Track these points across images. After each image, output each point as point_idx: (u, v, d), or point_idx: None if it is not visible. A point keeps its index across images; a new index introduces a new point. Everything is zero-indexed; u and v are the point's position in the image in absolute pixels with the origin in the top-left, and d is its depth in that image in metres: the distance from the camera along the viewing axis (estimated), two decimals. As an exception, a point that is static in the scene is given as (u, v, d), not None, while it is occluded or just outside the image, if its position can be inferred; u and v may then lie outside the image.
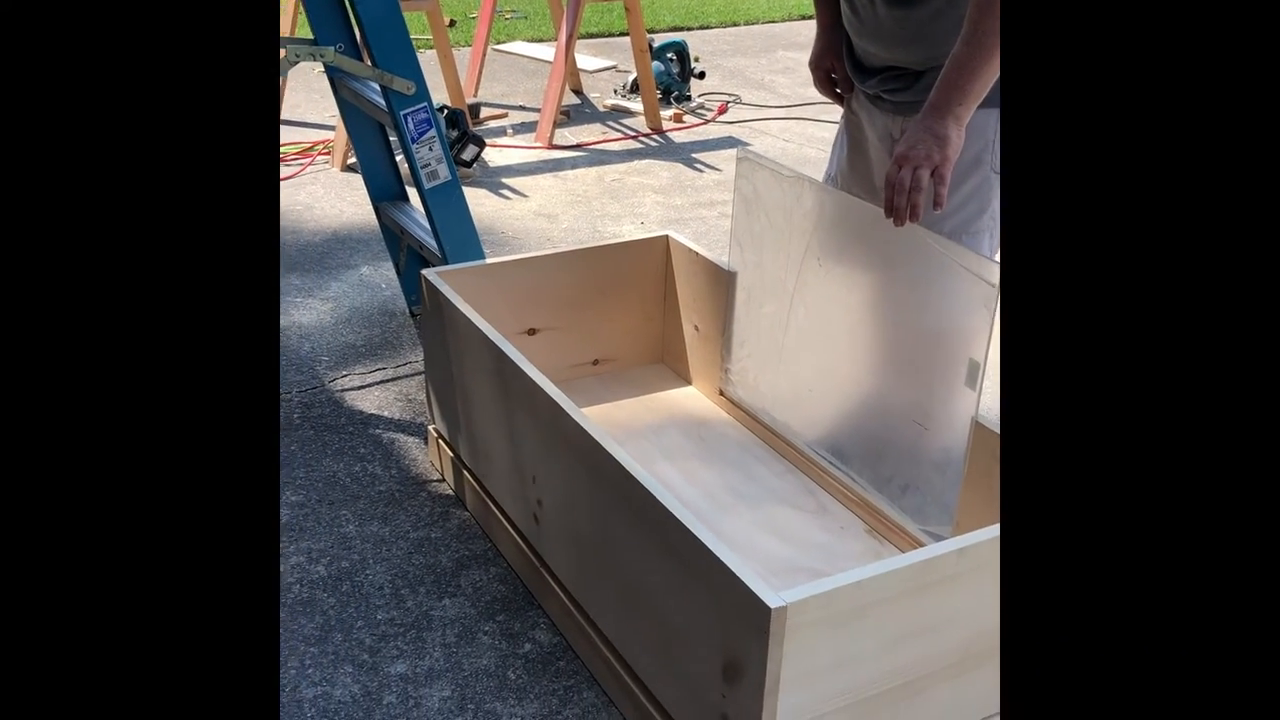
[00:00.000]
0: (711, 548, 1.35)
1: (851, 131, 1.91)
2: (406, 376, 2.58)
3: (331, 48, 2.32)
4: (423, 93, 2.30)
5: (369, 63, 2.31)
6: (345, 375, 2.57)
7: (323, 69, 2.68)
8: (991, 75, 1.54)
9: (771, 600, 1.26)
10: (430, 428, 2.24)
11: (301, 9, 3.87)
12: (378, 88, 2.37)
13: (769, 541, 1.91)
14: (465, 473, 2.10)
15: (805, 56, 1.97)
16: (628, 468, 1.51)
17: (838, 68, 1.89)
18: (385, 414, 2.43)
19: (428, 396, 2.23)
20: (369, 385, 2.54)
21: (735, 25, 6.01)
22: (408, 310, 2.86)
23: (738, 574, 1.30)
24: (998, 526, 1.44)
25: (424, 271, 2.10)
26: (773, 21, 6.13)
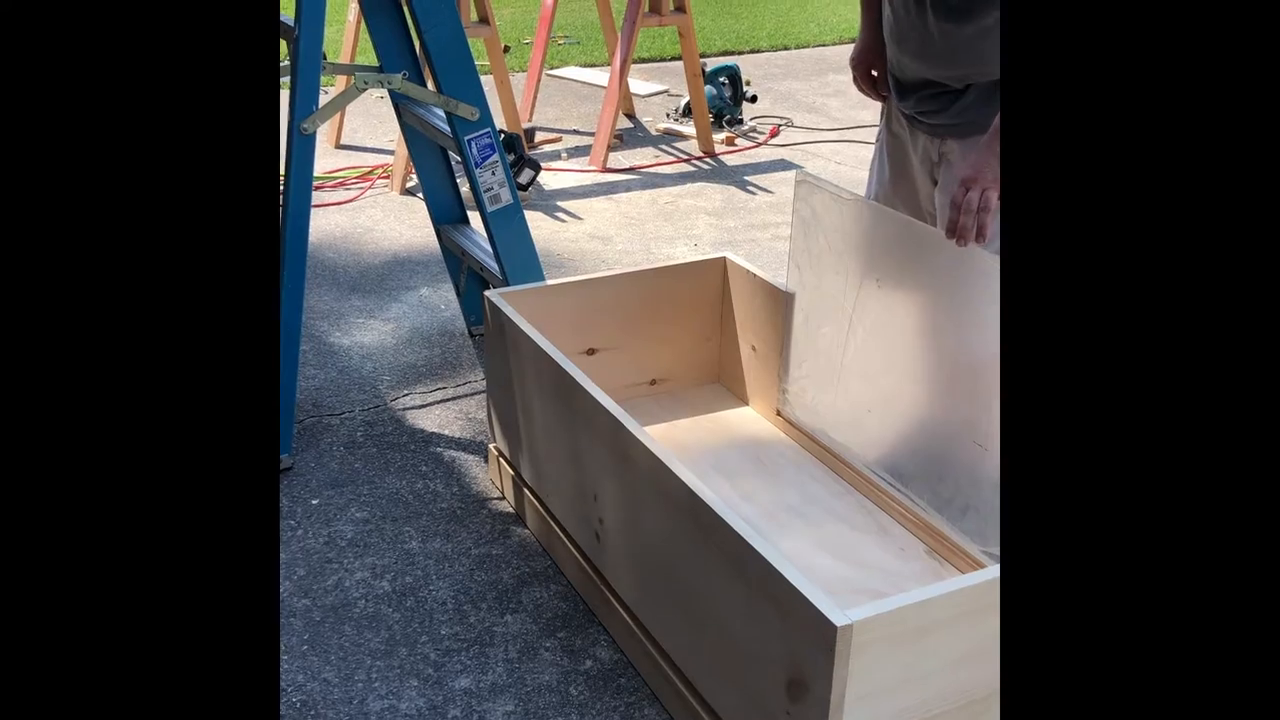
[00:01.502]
0: (777, 566, 1.37)
1: (893, 152, 1.93)
2: (466, 396, 2.62)
3: (399, 74, 2.38)
4: (486, 118, 2.35)
5: (433, 88, 2.37)
6: (406, 394, 2.62)
7: (384, 94, 2.74)
8: None
9: (838, 618, 1.27)
10: (490, 446, 2.28)
11: (364, 37, 3.96)
12: (442, 113, 2.42)
13: (828, 561, 1.92)
14: (526, 491, 2.13)
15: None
16: (691, 486, 1.53)
17: (879, 66, 1.91)
18: (446, 432, 2.47)
19: (488, 415, 2.27)
20: (430, 404, 2.58)
21: (786, 49, 6.05)
22: (467, 330, 2.91)
23: (804, 592, 1.32)
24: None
25: (487, 293, 2.15)
26: (823, 45, 6.15)
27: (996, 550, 1.70)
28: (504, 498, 2.25)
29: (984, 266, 1.66)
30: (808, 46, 6.12)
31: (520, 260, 2.45)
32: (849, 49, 6.68)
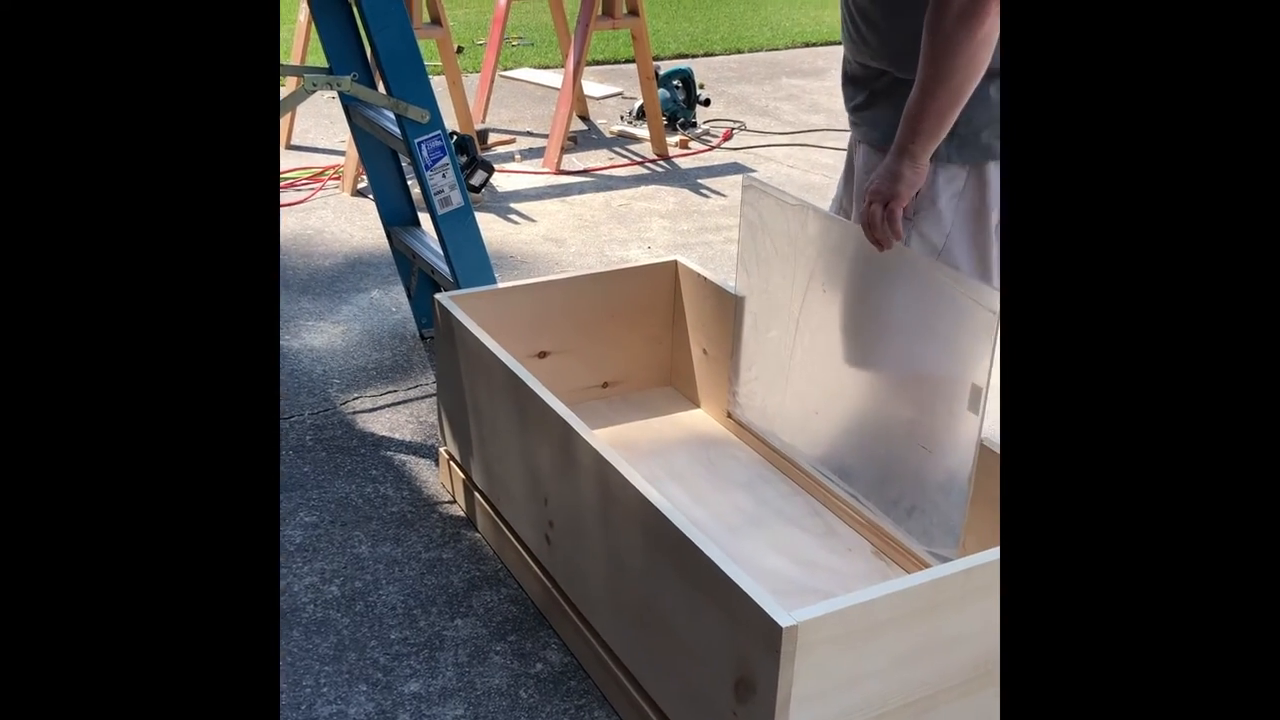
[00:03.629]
0: (724, 568, 1.38)
1: (849, 155, 1.96)
2: (417, 399, 2.61)
3: (348, 76, 2.37)
4: (437, 121, 2.35)
5: (383, 91, 2.36)
6: (357, 398, 2.61)
7: (335, 96, 2.73)
8: (938, 117, 1.60)
9: (783, 619, 1.29)
10: (441, 449, 2.28)
11: (315, 37, 3.93)
12: (392, 115, 2.41)
13: (778, 562, 1.93)
14: (477, 494, 2.13)
15: (808, 84, 1.99)
16: (640, 489, 1.54)
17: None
18: (396, 436, 2.46)
19: (439, 418, 2.26)
20: (380, 408, 2.57)
21: (739, 53, 6.08)
22: (418, 333, 2.89)
23: (750, 594, 1.33)
24: (1003, 548, 1.47)
25: (437, 296, 2.14)
26: (776, 49, 6.20)
27: (941, 551, 1.73)
28: (455, 501, 2.24)
29: (920, 269, 1.69)
30: (761, 50, 6.16)
31: (471, 263, 2.45)
32: (802, 53, 6.71)
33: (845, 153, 2.02)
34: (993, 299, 1.57)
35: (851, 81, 1.85)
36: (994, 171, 1.73)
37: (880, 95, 1.77)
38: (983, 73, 1.60)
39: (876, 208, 1.66)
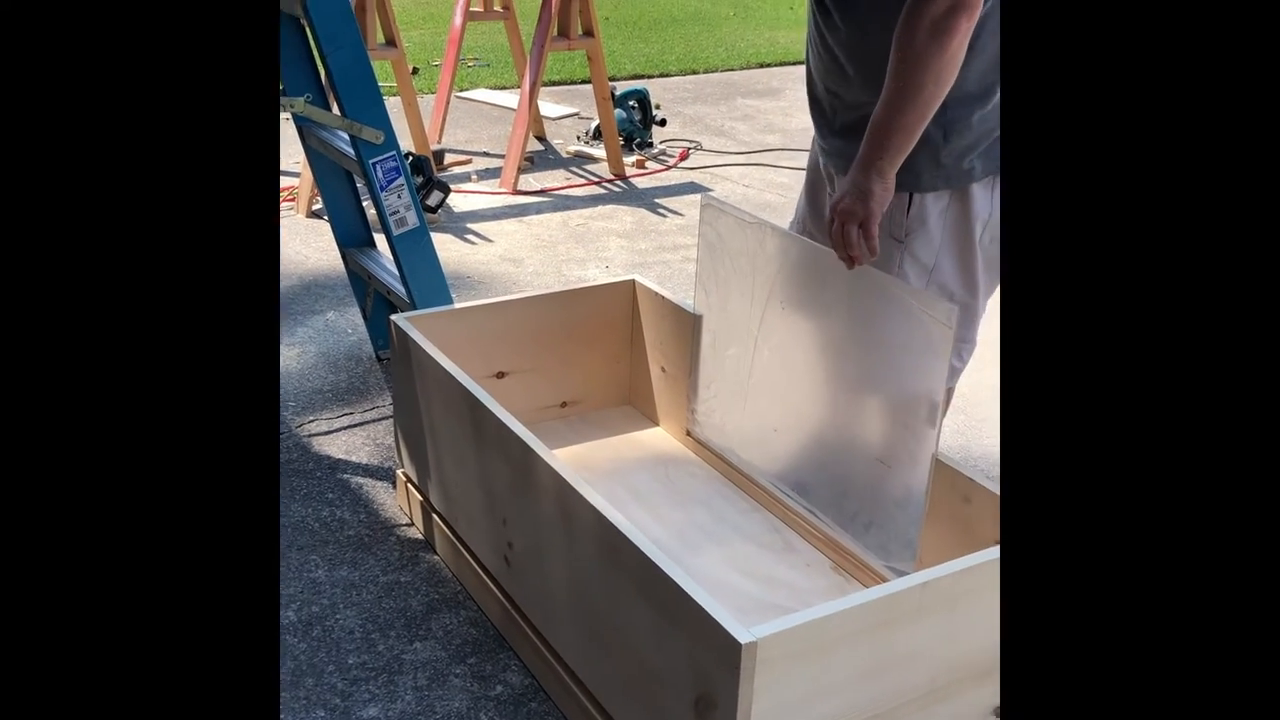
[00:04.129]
0: (683, 585, 1.38)
1: (811, 174, 1.97)
2: (374, 421, 2.59)
3: (301, 98, 2.36)
4: (391, 141, 2.34)
5: (337, 112, 2.35)
6: (312, 420, 2.58)
7: (289, 118, 2.71)
8: (906, 132, 1.59)
9: (742, 636, 1.29)
10: (399, 472, 2.26)
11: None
12: (346, 136, 2.40)
13: (737, 579, 1.94)
14: (435, 516, 2.11)
15: (764, 104, 2.00)
16: (599, 508, 1.54)
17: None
18: (353, 459, 2.44)
19: (396, 441, 2.25)
20: (336, 430, 2.55)
21: (695, 74, 6.13)
22: (374, 355, 2.87)
23: (709, 610, 1.33)
24: (959, 561, 1.48)
25: (393, 317, 2.13)
26: (731, 70, 6.25)
27: (898, 565, 1.74)
28: (412, 524, 2.22)
29: (876, 285, 1.70)
30: (716, 71, 6.21)
31: (427, 283, 2.44)
32: (757, 73, 6.78)
33: (804, 172, 2.04)
34: (949, 313, 1.59)
35: (827, 111, 1.84)
36: (976, 190, 1.75)
37: (861, 126, 1.76)
38: (948, 89, 1.60)
39: (851, 227, 1.64)
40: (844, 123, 1.79)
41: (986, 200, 1.74)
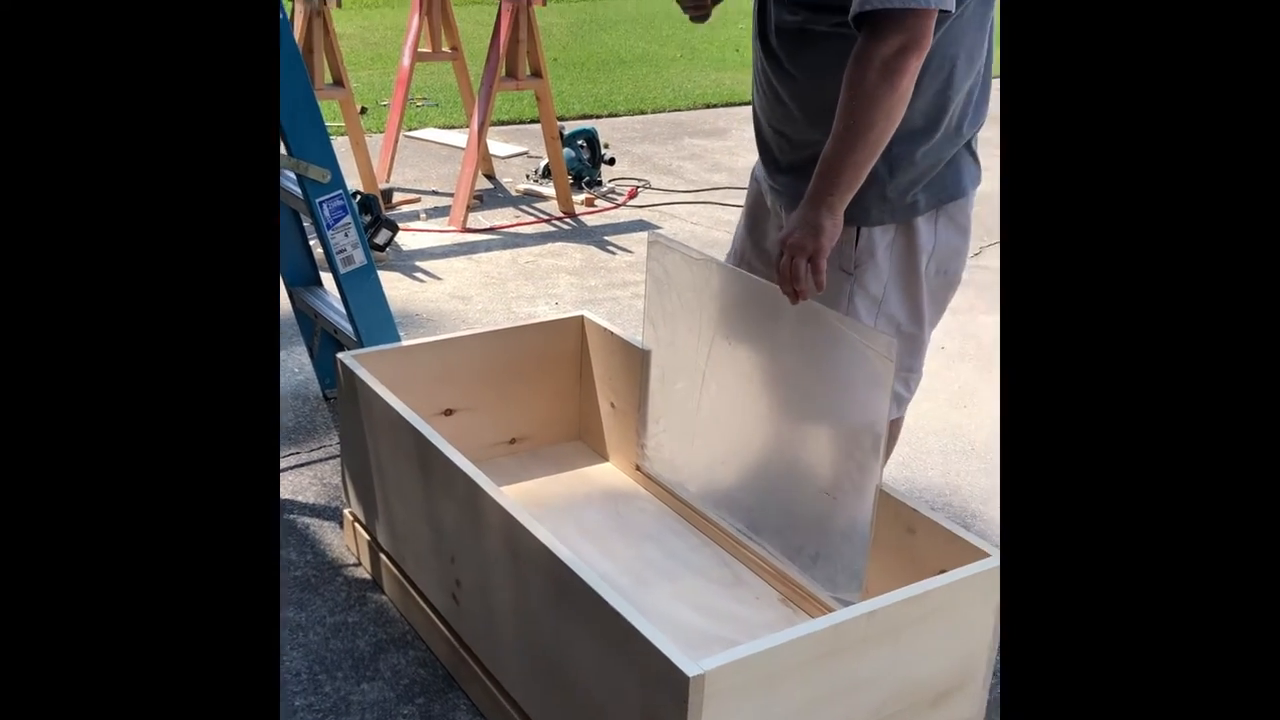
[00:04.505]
0: (630, 619, 1.38)
1: (752, 208, 2.00)
2: (320, 460, 2.57)
3: (246, 136, 2.35)
4: (338, 180, 2.34)
5: (284, 151, 2.35)
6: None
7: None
8: (856, 169, 1.62)
9: (690, 669, 1.29)
10: (346, 511, 2.24)
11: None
12: (293, 176, 2.40)
13: (687, 614, 1.94)
14: (383, 555, 2.09)
15: (711, 144, 2.02)
16: (547, 544, 1.54)
17: None
18: (300, 499, 2.41)
19: (343, 480, 2.23)
20: (283, 470, 2.52)
21: (643, 113, 6.20)
22: (321, 394, 2.85)
23: (656, 644, 1.33)
24: (904, 591, 1.50)
25: (340, 355, 2.12)
26: (679, 110, 6.33)
27: (845, 596, 1.76)
28: (360, 564, 2.20)
29: (819, 319, 1.73)
30: (664, 111, 6.28)
31: (374, 321, 2.43)
32: (704, 113, 6.86)
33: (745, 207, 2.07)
34: (889, 346, 1.62)
35: (774, 150, 1.87)
36: (920, 224, 1.78)
37: (811, 164, 1.79)
38: (896, 126, 1.63)
39: (800, 261, 1.65)
40: (791, 161, 1.83)
41: (931, 233, 1.78)
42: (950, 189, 1.79)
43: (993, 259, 4.18)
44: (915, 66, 1.57)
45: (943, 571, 1.58)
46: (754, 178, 2.01)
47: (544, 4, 4.08)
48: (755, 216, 1.99)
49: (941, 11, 1.57)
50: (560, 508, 2.25)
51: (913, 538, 1.74)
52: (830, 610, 1.80)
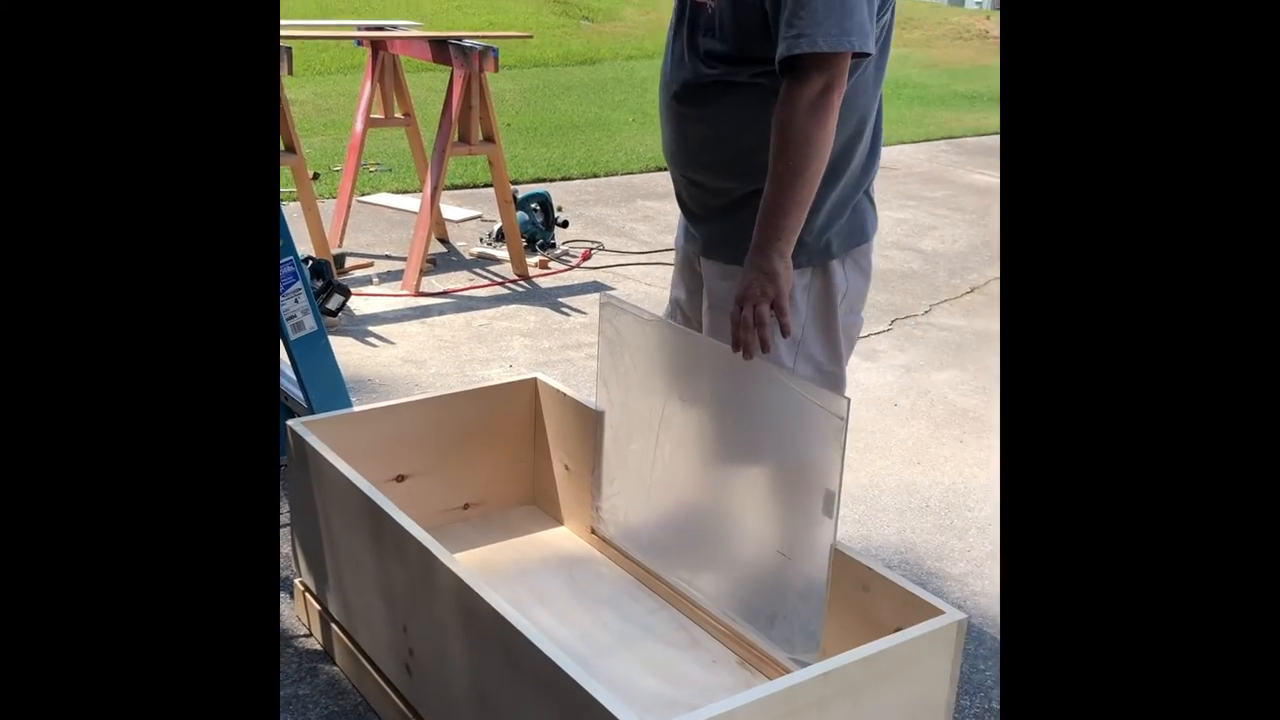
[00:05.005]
0: (585, 686, 1.36)
1: (688, 265, 2.03)
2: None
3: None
4: (288, 246, 2.33)
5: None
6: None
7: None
8: (799, 209, 1.67)
9: (646, 735, 1.27)
10: (296, 581, 2.19)
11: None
12: (242, 241, 2.39)
13: (645, 679, 1.92)
14: (334, 626, 2.05)
15: (663, 205, 2.05)
16: (501, 611, 1.52)
17: None
18: (249, 569, 2.36)
19: (293, 549, 2.19)
20: (231, 540, 2.47)
21: (596, 177, 6.26)
22: (272, 461, 2.81)
23: (612, 710, 1.31)
24: (860, 650, 1.49)
25: (289, 422, 2.09)
26: (631, 173, 6.40)
27: (802, 656, 1.75)
28: (311, 634, 2.15)
29: (771, 379, 1.74)
30: (616, 174, 6.35)
31: (326, 388, 2.41)
32: (656, 176, 6.93)
33: (677, 259, 2.09)
34: (840, 405, 1.63)
35: (688, 201, 1.93)
36: (834, 266, 1.83)
37: (727, 211, 1.85)
38: (826, 164, 1.68)
39: (763, 308, 1.66)
40: (707, 210, 1.88)
41: (843, 276, 1.84)
42: (857, 234, 1.86)
43: (943, 317, 4.25)
44: (837, 104, 1.64)
45: (899, 629, 1.58)
46: (679, 230, 2.06)
47: (495, 70, 4.13)
48: (691, 273, 2.02)
49: (860, 55, 1.64)
50: (514, 573, 2.22)
51: (868, 595, 1.74)
52: (788, 671, 1.79)
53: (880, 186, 1.91)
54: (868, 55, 1.67)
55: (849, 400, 1.64)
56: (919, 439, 3.20)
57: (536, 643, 1.45)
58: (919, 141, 7.73)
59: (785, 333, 1.70)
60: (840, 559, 1.72)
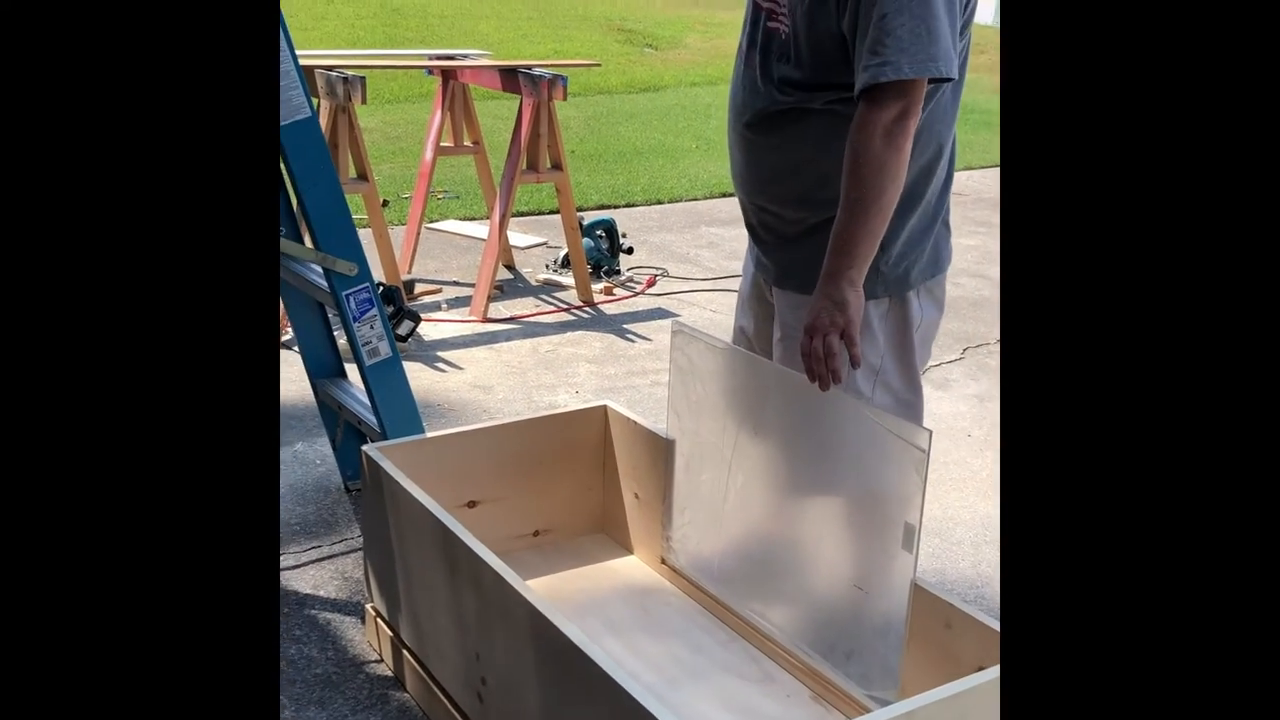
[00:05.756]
0: (660, 719, 1.34)
1: (756, 292, 2.01)
2: (342, 554, 2.54)
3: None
4: (365, 273, 2.36)
5: (310, 245, 2.37)
6: (280, 555, 2.53)
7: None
8: (872, 237, 1.64)
9: (726, 773, 1.25)
10: (368, 606, 2.21)
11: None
12: (319, 269, 2.42)
13: (717, 713, 1.89)
14: (405, 652, 2.06)
15: (728, 231, 2.03)
16: (576, 642, 1.51)
17: None
18: (321, 593, 2.38)
19: (366, 574, 2.20)
20: (304, 564, 2.49)
21: (660, 203, 6.27)
22: (343, 486, 2.84)
23: (691, 747, 1.29)
24: (942, 689, 1.45)
25: (364, 447, 2.11)
26: (695, 199, 6.40)
27: (880, 694, 1.71)
28: (382, 660, 2.16)
29: (849, 410, 1.72)
30: (680, 201, 6.36)
31: (399, 413, 2.43)
32: (720, 202, 6.92)
33: (740, 287, 2.07)
34: (921, 437, 1.60)
35: (759, 229, 1.90)
36: (910, 296, 1.81)
37: (799, 240, 1.83)
38: (900, 192, 1.65)
39: (833, 337, 1.63)
40: (779, 239, 1.86)
41: (919, 306, 1.81)
42: (933, 265, 1.83)
43: (1013, 344, 4.17)
44: (913, 130, 1.62)
45: (981, 669, 1.54)
46: (746, 257, 2.04)
47: (564, 99, 4.16)
48: (760, 298, 2.01)
49: (939, 81, 1.61)
50: (585, 603, 2.21)
51: (949, 632, 1.70)
52: (866, 709, 1.75)
53: (951, 209, 1.88)
54: (951, 80, 1.64)
55: (930, 432, 1.61)
56: (993, 470, 3.13)
57: (611, 673, 1.44)
58: (988, 167, 7.64)
59: (855, 364, 1.67)
60: (919, 594, 1.69)
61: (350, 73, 3.87)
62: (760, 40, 1.79)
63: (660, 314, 4.35)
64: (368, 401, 2.51)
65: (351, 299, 2.34)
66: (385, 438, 2.41)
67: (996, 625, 1.63)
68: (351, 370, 2.76)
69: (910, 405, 1.84)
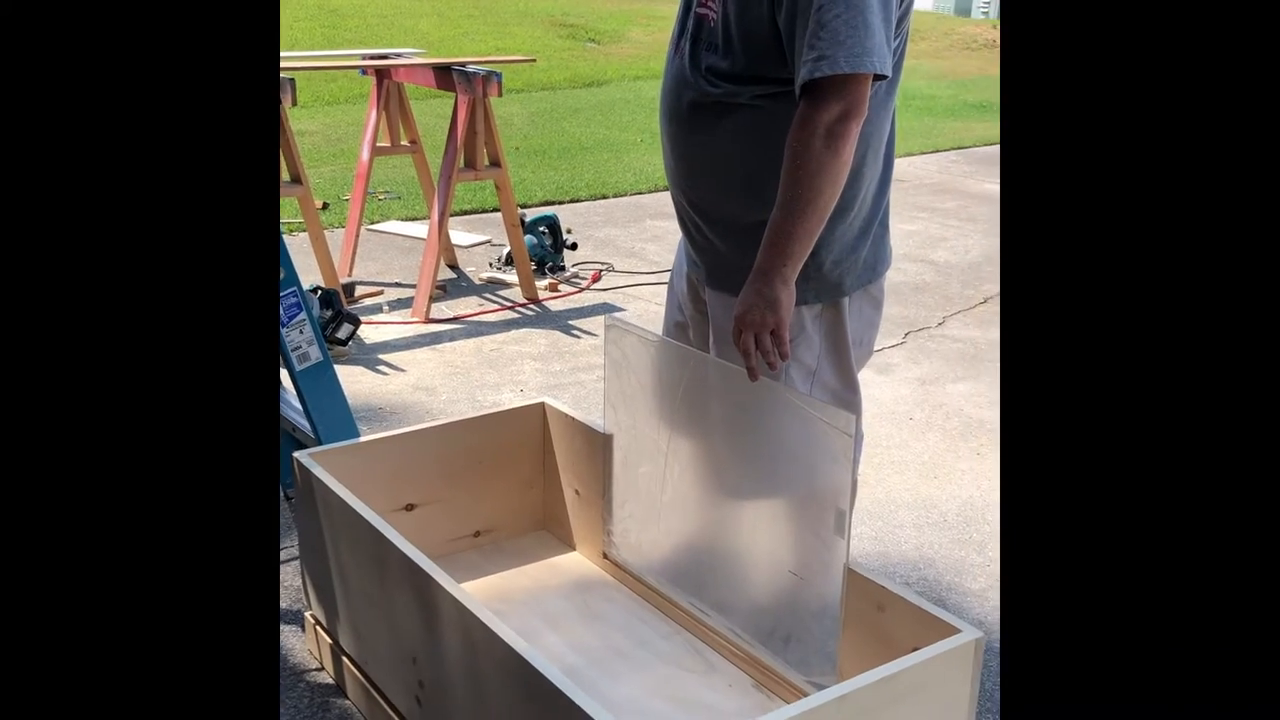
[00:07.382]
0: (595, 716, 1.33)
1: (688, 290, 2.00)
2: (282, 563, 2.50)
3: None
4: (291, 277, 2.32)
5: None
6: (217, 565, 2.49)
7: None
8: (808, 237, 1.62)
9: (656, 766, 1.24)
10: (307, 614, 2.18)
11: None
12: (246, 274, 2.38)
13: (658, 705, 1.89)
14: (345, 659, 2.03)
15: (673, 225, 2.02)
16: (508, 640, 1.49)
17: None
18: (260, 603, 2.35)
19: (304, 582, 2.17)
20: (243, 574, 2.46)
21: (605, 198, 6.26)
22: (282, 494, 2.79)
23: (621, 742, 1.29)
24: (877, 671, 1.46)
25: (296, 454, 2.08)
26: (640, 193, 6.40)
27: (819, 679, 1.72)
28: (323, 668, 2.13)
29: (779, 398, 1.72)
30: (625, 195, 6.35)
31: (333, 418, 2.39)
32: (664, 196, 6.93)
33: (677, 282, 2.06)
34: (848, 422, 1.61)
35: (689, 224, 1.89)
36: (845, 303, 1.79)
37: (731, 239, 1.80)
38: (840, 193, 1.62)
39: (763, 335, 1.63)
40: (709, 235, 1.83)
41: (855, 309, 1.81)
42: (871, 270, 1.82)
43: (956, 328, 4.21)
44: (856, 132, 1.58)
45: (916, 649, 1.54)
46: (679, 251, 2.02)
47: (499, 95, 4.13)
48: (690, 293, 2.00)
49: (876, 77, 1.58)
50: (526, 600, 2.20)
51: (884, 615, 1.71)
52: (805, 694, 1.75)
53: (891, 199, 1.86)
54: (884, 78, 1.62)
55: (855, 417, 1.61)
56: (935, 452, 3.16)
57: (545, 672, 1.43)
58: (929, 153, 7.71)
59: (784, 358, 1.66)
60: (855, 579, 1.69)
61: (281, 75, 3.81)
62: (691, 28, 1.74)
63: (605, 309, 4.33)
64: (300, 407, 2.47)
65: (279, 304, 2.30)
66: (320, 443, 2.38)
67: (930, 607, 1.64)
68: (285, 376, 2.72)
69: (849, 403, 1.83)
